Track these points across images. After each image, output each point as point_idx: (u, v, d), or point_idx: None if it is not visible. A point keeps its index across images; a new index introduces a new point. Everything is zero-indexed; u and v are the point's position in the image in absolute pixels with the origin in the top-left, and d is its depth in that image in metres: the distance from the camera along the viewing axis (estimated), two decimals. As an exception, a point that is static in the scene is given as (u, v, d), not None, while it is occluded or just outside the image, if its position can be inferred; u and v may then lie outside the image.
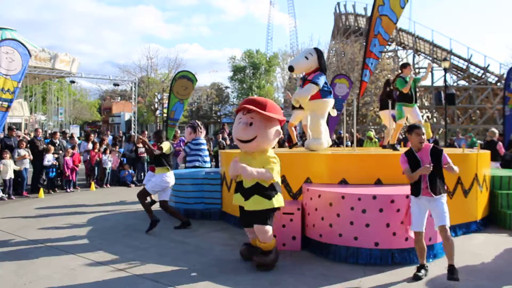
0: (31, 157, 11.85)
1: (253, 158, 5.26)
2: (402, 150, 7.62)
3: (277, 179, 5.30)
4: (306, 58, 7.81)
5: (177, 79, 16.54)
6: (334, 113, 8.33)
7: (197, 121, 10.47)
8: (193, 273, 5.18)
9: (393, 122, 8.80)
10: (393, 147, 8.48)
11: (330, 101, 7.87)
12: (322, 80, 7.59)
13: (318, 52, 7.94)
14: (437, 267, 5.24)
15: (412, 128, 5.12)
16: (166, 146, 7.44)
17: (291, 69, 7.97)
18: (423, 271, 4.98)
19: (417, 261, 5.27)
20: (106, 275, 5.10)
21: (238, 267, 5.38)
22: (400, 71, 8.59)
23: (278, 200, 5.23)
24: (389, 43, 33.96)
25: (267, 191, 5.16)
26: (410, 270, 5.12)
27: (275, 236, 5.46)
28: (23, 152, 11.60)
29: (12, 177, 11.17)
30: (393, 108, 8.65)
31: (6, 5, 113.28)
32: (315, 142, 7.82)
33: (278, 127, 5.36)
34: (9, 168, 11.09)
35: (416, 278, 4.89)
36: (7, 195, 11.03)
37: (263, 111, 5.14)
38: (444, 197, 5.02)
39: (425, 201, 4.99)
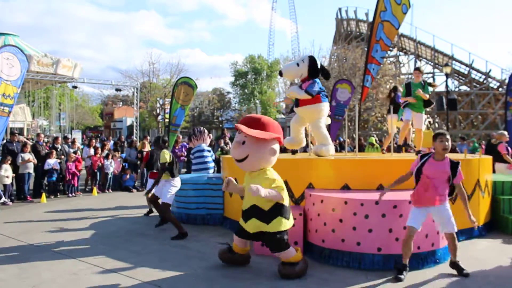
0: (35, 161, 11.88)
1: (252, 178, 5.20)
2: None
3: (285, 201, 5.17)
4: (298, 65, 7.83)
5: (178, 85, 16.60)
6: (328, 121, 8.35)
7: (196, 128, 10.48)
8: (195, 278, 5.18)
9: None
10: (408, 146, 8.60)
11: (327, 104, 7.94)
12: (316, 87, 7.58)
13: (311, 60, 7.77)
14: (438, 272, 5.24)
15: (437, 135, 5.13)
16: (165, 157, 7.37)
17: (280, 73, 8.13)
18: (405, 272, 5.01)
19: (420, 266, 5.28)
20: (108, 280, 5.10)
21: (239, 273, 5.37)
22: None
23: (282, 223, 5.10)
24: (391, 48, 34.01)
25: (266, 215, 5.06)
26: (413, 276, 5.11)
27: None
28: (27, 156, 11.63)
29: (12, 182, 11.20)
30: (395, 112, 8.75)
31: (8, 10, 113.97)
32: (323, 147, 7.73)
33: (274, 145, 5.22)
34: (10, 173, 11.13)
35: (398, 280, 4.92)
36: (9, 200, 11.04)
37: (256, 129, 5.07)
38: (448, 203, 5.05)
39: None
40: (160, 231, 7.73)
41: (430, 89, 8.73)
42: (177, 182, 7.58)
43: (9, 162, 11.20)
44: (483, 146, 14.73)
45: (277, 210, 5.07)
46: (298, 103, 7.81)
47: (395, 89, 9.49)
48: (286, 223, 5.14)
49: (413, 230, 4.97)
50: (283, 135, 5.61)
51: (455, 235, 4.98)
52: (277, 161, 6.95)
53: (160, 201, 7.66)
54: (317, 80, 7.69)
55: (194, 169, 9.99)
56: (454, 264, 5.10)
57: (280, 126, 5.50)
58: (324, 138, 7.79)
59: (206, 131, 10.33)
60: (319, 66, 7.80)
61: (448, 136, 5.08)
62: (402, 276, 4.95)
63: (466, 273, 5.08)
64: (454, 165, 5.09)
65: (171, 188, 7.46)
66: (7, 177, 11.13)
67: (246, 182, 5.27)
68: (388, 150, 9.59)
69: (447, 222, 4.96)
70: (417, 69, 8.67)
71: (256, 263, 5.65)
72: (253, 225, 5.14)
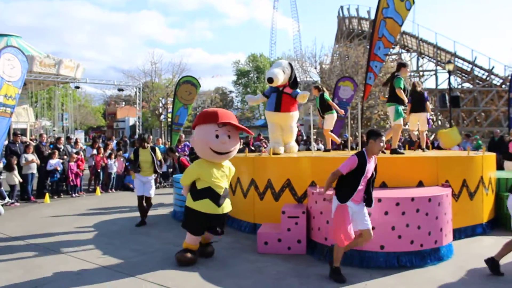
0: (39, 161, 11.91)
1: (219, 167, 5.76)
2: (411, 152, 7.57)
3: None
4: (283, 72, 8.14)
5: (181, 84, 16.60)
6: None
7: None
8: (198, 277, 5.18)
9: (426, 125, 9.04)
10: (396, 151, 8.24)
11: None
12: None
13: (292, 67, 8.43)
14: (442, 270, 5.23)
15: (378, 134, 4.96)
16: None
17: (270, 80, 8.04)
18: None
19: (423, 264, 5.28)
20: (112, 279, 5.11)
21: (243, 270, 5.38)
22: (397, 70, 8.27)
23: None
24: (393, 46, 33.90)
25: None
26: (416, 273, 5.12)
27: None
28: (30, 157, 11.66)
29: (17, 183, 11.23)
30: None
31: (10, 12, 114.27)
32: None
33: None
34: (15, 174, 11.18)
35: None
36: (13, 201, 11.07)
37: (235, 121, 5.74)
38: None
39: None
40: (162, 230, 7.74)
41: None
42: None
43: (16, 163, 11.25)
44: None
45: None
46: (280, 107, 8.36)
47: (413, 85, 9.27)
48: None
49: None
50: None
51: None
52: (279, 159, 6.97)
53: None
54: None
55: None
56: None
57: None
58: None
59: None
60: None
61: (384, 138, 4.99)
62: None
63: None
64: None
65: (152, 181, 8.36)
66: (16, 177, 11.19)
67: (212, 172, 5.59)
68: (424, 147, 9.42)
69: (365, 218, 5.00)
70: (407, 65, 8.56)
71: (260, 262, 5.65)
72: (227, 205, 5.75)
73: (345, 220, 4.80)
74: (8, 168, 11.16)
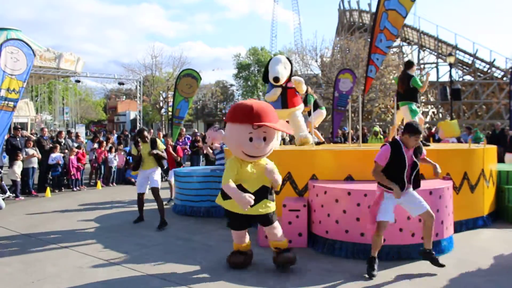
0: (40, 155, 11.92)
1: (253, 164, 5.13)
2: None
3: None
4: (285, 68, 8.01)
5: (181, 77, 16.54)
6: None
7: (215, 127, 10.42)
8: (200, 270, 5.20)
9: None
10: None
11: None
12: None
13: (290, 61, 8.24)
14: (443, 262, 5.22)
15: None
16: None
17: (277, 80, 7.82)
18: (376, 266, 4.93)
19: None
20: (114, 273, 5.13)
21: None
22: (407, 68, 8.50)
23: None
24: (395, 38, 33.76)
25: (271, 194, 5.13)
26: (417, 266, 5.13)
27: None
28: (31, 151, 11.67)
29: (18, 179, 11.25)
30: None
31: (10, 5, 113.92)
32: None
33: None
34: (16, 170, 11.20)
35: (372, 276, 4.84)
36: (14, 195, 11.10)
37: (272, 121, 5.05)
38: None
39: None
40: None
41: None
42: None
43: (21, 158, 11.27)
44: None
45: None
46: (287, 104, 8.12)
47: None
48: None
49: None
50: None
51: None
52: (281, 152, 6.96)
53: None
54: None
55: (220, 158, 9.99)
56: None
57: None
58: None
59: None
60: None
61: None
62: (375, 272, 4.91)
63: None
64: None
65: (158, 174, 8.10)
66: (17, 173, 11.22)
67: (242, 167, 5.07)
68: None
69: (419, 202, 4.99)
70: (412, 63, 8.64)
71: (260, 255, 5.66)
72: (262, 206, 4.98)
73: (373, 208, 4.90)
74: (12, 161, 11.19)
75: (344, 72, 17.41)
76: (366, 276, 4.82)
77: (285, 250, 5.12)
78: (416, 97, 8.36)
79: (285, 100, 8.09)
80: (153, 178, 7.94)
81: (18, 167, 11.18)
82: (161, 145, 8.19)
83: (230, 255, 5.34)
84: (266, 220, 5.06)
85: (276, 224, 5.14)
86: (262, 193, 5.01)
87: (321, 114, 9.88)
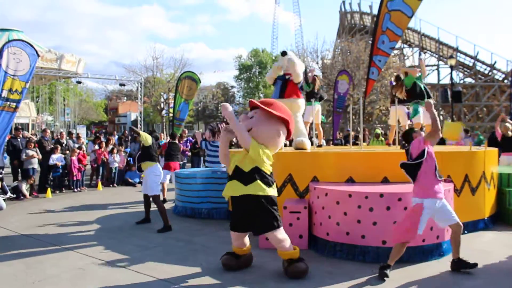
0: (40, 156, 11.92)
1: (243, 155, 5.02)
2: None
3: (270, 169, 5.07)
4: (300, 62, 8.21)
5: (182, 79, 16.59)
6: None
7: (219, 125, 10.33)
8: (201, 272, 5.19)
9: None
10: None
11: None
12: None
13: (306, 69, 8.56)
14: (444, 265, 5.23)
15: None
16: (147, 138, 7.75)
17: (284, 53, 8.05)
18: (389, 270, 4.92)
19: (424, 258, 5.28)
20: (114, 274, 5.13)
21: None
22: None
23: (275, 190, 5.06)
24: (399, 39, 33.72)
25: (267, 178, 4.95)
26: (418, 268, 5.12)
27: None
28: (31, 152, 11.68)
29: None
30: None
31: (11, 6, 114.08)
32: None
33: (281, 128, 5.07)
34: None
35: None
36: (15, 195, 11.10)
37: (266, 108, 5.02)
38: None
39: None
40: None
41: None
42: (158, 169, 7.91)
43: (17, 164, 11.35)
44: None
45: (272, 177, 5.08)
46: (284, 94, 8.05)
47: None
48: (276, 192, 5.10)
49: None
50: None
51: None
52: (282, 154, 6.95)
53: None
54: None
55: (210, 160, 9.89)
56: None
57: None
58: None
59: None
60: None
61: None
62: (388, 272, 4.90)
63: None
64: None
65: (155, 177, 7.78)
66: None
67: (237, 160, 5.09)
68: (394, 142, 9.55)
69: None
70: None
71: (261, 257, 5.65)
72: (255, 187, 4.89)
73: (411, 220, 4.84)
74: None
75: (341, 74, 17.65)
76: (378, 277, 4.83)
77: (297, 260, 4.96)
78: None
79: (284, 90, 8.07)
80: (148, 185, 7.77)
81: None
82: (147, 139, 7.78)
83: (224, 254, 5.30)
84: (262, 224, 4.93)
85: (280, 231, 4.96)
86: (254, 174, 4.90)
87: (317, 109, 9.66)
